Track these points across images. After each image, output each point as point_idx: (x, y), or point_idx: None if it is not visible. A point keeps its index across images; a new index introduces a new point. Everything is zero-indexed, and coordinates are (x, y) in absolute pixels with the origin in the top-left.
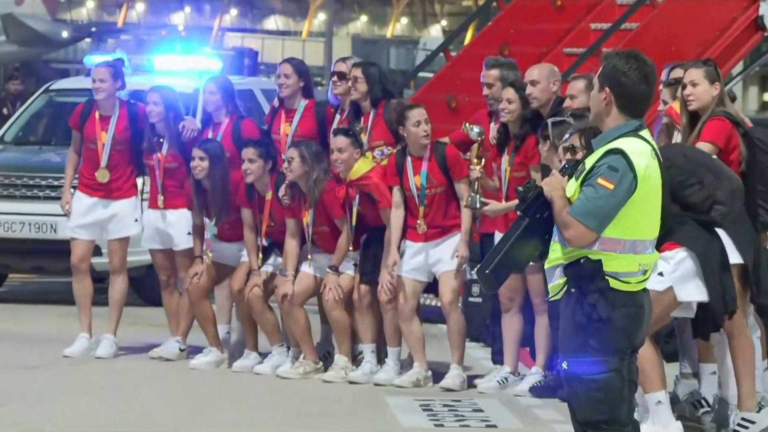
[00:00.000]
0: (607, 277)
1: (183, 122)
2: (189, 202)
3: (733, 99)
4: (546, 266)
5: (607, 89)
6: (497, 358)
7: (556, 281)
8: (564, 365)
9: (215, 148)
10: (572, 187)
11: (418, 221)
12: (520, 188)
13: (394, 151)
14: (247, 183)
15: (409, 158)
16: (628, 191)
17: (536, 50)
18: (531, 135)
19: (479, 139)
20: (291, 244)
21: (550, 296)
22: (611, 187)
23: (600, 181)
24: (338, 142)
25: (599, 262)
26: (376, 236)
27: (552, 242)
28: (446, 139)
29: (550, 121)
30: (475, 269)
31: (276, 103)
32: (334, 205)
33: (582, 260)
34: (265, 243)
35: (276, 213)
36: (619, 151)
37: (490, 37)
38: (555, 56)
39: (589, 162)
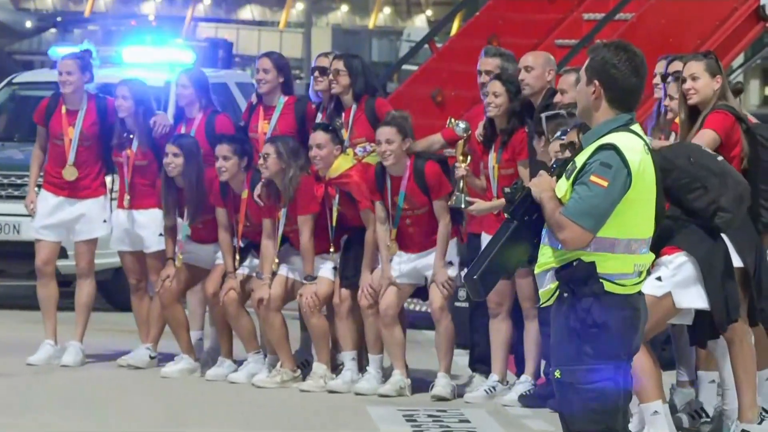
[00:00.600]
0: (601, 280)
1: (154, 117)
2: (160, 202)
3: (740, 91)
4: (536, 271)
5: (597, 82)
6: (476, 366)
7: (548, 286)
8: (557, 374)
9: (190, 144)
10: (563, 186)
11: (389, 243)
12: (508, 189)
13: (376, 148)
14: (222, 181)
15: (388, 175)
16: (622, 188)
17: (526, 41)
18: (519, 129)
19: (465, 135)
20: (267, 246)
21: (541, 302)
22: (605, 184)
23: (593, 178)
24: (317, 137)
25: (593, 264)
26: (357, 237)
27: (542, 245)
28: (438, 137)
29: (544, 115)
30: (463, 274)
31: (254, 99)
32: (308, 202)
33: (575, 262)
34: (241, 244)
35: (252, 213)
36: (612, 147)
37: (478, 28)
38: (546, 48)
39: (580, 159)
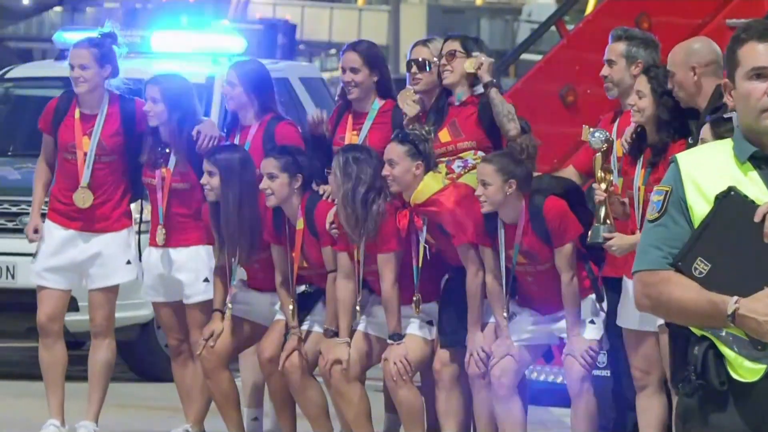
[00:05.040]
0: None
1: (198, 126)
2: (206, 236)
3: None
4: None
5: None
6: None
7: None
8: None
9: (228, 159)
10: None
11: (504, 314)
12: None
13: (478, 160)
14: (273, 209)
15: (500, 221)
16: None
17: (687, 22)
18: (676, 142)
19: (603, 147)
20: (344, 290)
21: None
22: None
23: None
24: (389, 151)
25: None
26: (460, 280)
27: None
28: (570, 170)
29: (710, 119)
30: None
31: (340, 99)
32: (388, 236)
33: None
34: (307, 289)
35: (310, 250)
36: None
37: (622, 5)
38: (714, 30)
39: None
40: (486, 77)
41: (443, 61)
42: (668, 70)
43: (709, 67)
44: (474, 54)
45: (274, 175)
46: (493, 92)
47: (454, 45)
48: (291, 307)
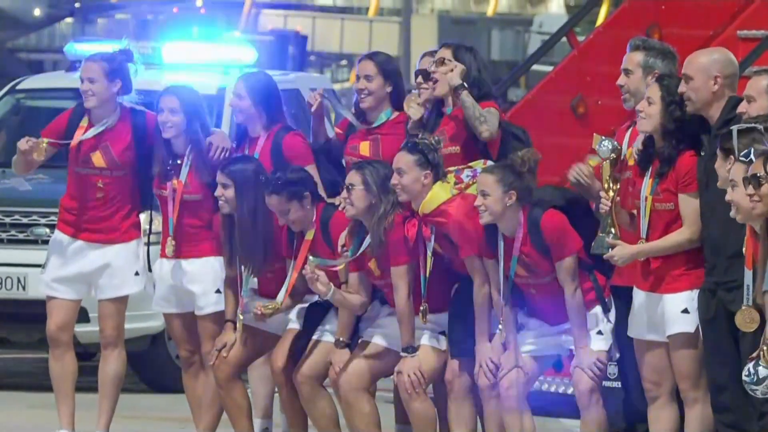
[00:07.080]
0: None
1: (210, 137)
2: (218, 247)
3: None
4: None
5: None
6: None
7: None
8: None
9: (243, 171)
10: None
11: (500, 326)
12: None
13: (484, 168)
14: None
15: (500, 234)
16: None
17: (698, 33)
18: (684, 153)
19: (611, 156)
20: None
21: None
22: None
23: None
24: (398, 160)
25: None
26: (469, 290)
27: None
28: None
29: (736, 128)
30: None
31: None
32: (397, 249)
33: None
34: (319, 299)
35: (322, 256)
36: None
37: (634, 15)
38: (725, 41)
39: None
40: (455, 81)
41: (432, 68)
42: (685, 74)
43: (729, 79)
44: (448, 62)
45: (285, 210)
46: (464, 95)
47: (446, 53)
48: (274, 306)
